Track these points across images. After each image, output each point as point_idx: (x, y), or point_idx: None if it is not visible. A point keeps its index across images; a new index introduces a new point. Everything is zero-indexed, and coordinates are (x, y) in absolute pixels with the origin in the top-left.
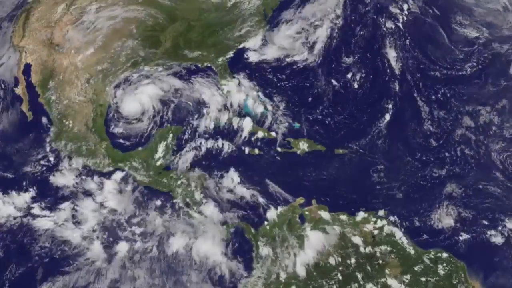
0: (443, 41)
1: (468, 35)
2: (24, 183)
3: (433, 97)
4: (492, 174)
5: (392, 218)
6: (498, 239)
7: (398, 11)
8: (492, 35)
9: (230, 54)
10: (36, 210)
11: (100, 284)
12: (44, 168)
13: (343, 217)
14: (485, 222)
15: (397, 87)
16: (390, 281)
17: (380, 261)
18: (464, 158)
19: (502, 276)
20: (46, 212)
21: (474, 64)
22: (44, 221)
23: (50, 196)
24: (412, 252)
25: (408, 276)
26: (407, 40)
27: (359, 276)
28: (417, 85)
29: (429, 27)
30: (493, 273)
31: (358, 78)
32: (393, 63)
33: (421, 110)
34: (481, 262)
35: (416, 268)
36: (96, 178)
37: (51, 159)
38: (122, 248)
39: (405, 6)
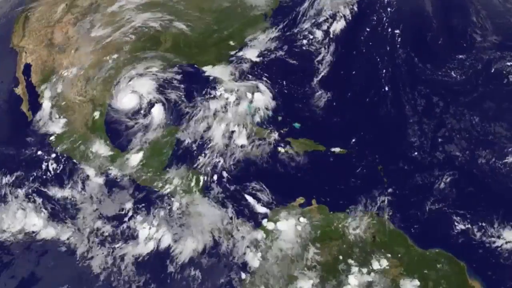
0: (439, 43)
1: (465, 41)
2: (22, 184)
3: (420, 100)
4: (481, 177)
5: (392, 218)
6: (495, 239)
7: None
8: (490, 43)
9: (230, 54)
10: (34, 212)
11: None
12: (43, 168)
13: (343, 217)
14: (483, 223)
15: (398, 85)
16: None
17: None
18: (453, 161)
19: (502, 276)
20: (45, 214)
21: (466, 69)
22: (43, 223)
23: (49, 196)
24: (412, 252)
25: (407, 276)
26: (405, 40)
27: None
28: (404, 85)
29: (427, 29)
30: (493, 274)
31: (360, 78)
32: (395, 62)
33: (416, 111)
34: (481, 262)
35: (416, 268)
36: (95, 178)
37: (50, 159)
38: (119, 249)
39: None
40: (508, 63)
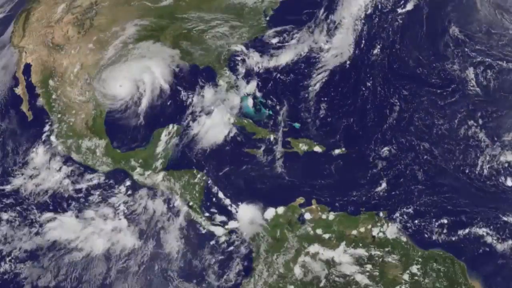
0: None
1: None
2: (23, 184)
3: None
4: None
5: (392, 218)
6: (494, 240)
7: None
8: (478, 50)
9: (230, 54)
10: (36, 212)
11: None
12: (43, 169)
13: (343, 217)
14: (482, 223)
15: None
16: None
17: (380, 261)
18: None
19: (502, 276)
20: (49, 214)
21: (447, 71)
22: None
23: (49, 197)
24: (412, 252)
25: (407, 276)
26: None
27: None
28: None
29: (422, 30)
30: (493, 274)
31: (360, 78)
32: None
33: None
34: (482, 263)
35: (416, 268)
36: (95, 178)
37: (51, 159)
38: (120, 247)
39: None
40: (489, 72)
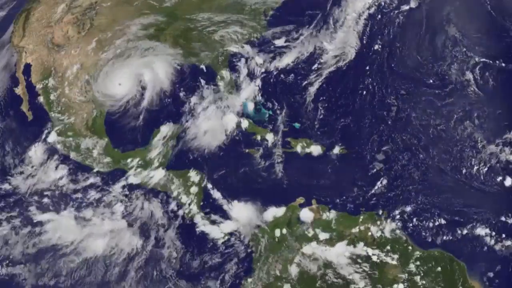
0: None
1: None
2: (21, 184)
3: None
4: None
5: (391, 218)
6: (494, 241)
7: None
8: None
9: (230, 54)
10: (36, 212)
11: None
12: (41, 168)
13: (343, 217)
14: (482, 223)
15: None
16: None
17: (379, 261)
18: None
19: (502, 276)
20: (47, 214)
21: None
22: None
23: (48, 198)
24: (412, 252)
25: (407, 276)
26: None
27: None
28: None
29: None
30: (493, 274)
31: (359, 78)
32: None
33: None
34: (481, 263)
35: (415, 268)
36: (94, 178)
37: (49, 159)
38: (118, 247)
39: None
40: (487, 73)
